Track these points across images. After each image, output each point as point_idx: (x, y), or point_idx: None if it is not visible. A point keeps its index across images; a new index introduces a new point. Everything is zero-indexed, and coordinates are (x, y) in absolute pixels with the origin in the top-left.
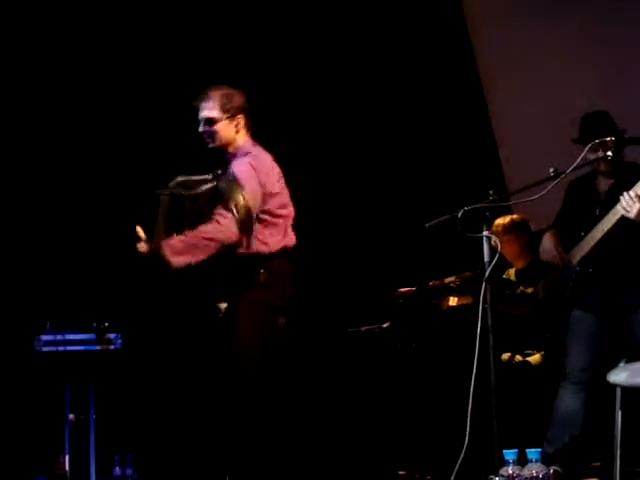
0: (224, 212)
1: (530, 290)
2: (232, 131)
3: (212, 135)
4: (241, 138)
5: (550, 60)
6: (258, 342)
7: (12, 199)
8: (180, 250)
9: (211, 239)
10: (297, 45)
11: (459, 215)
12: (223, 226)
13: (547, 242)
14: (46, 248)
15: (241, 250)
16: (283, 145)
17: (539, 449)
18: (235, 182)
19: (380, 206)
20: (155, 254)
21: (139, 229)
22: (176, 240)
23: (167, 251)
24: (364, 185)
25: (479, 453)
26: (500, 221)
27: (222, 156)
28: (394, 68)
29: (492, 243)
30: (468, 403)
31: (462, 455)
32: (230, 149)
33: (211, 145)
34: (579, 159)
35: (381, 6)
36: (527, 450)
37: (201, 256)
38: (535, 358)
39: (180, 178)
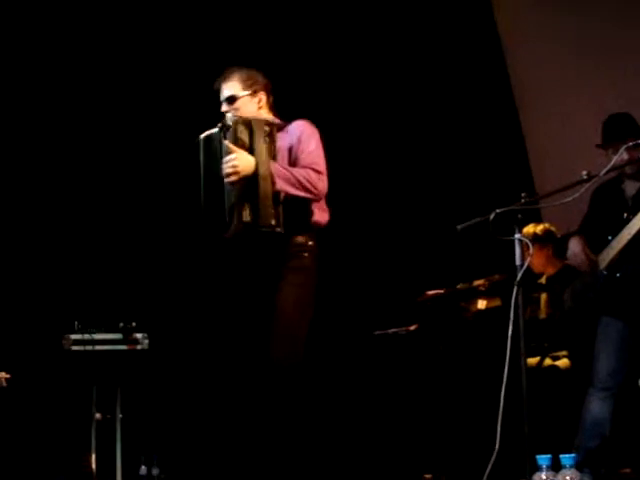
0: (322, 166)
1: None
2: (255, 107)
3: (235, 113)
4: (265, 115)
5: (581, 63)
6: (304, 330)
7: (42, 200)
8: (285, 177)
9: (313, 185)
10: (333, 53)
11: (491, 217)
12: (322, 178)
13: (574, 246)
14: (74, 248)
15: (311, 215)
16: None
17: (573, 455)
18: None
19: (410, 208)
20: (261, 171)
21: (230, 145)
22: (282, 167)
23: (275, 171)
24: (395, 186)
25: (510, 458)
26: (523, 231)
27: None
28: (430, 73)
29: (524, 246)
30: (498, 407)
31: (493, 460)
32: None
33: None
34: (614, 159)
35: (420, 18)
36: (560, 456)
37: (295, 193)
38: (564, 362)
39: None
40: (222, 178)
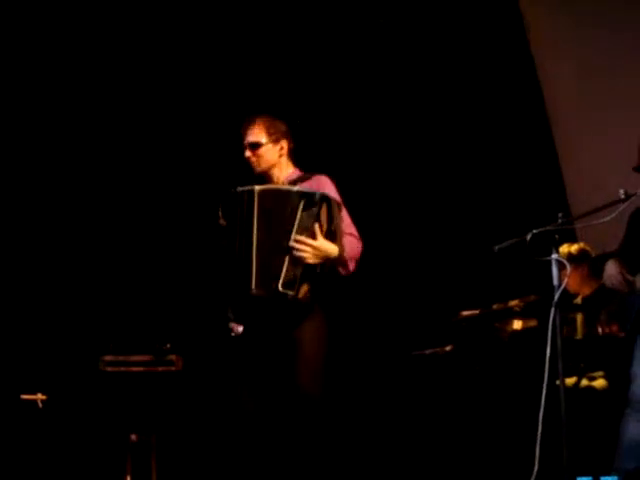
0: (354, 229)
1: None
2: (276, 155)
3: (257, 160)
4: (284, 162)
5: (617, 82)
6: (323, 362)
7: (80, 224)
8: (354, 256)
9: (359, 253)
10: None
11: (528, 238)
12: (360, 243)
13: (612, 268)
14: (111, 271)
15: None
16: (347, 169)
17: (613, 477)
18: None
19: (446, 228)
20: (336, 257)
21: (317, 230)
22: (348, 246)
23: (348, 255)
24: (432, 207)
25: None
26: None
27: (265, 181)
28: (464, 93)
29: (561, 267)
30: (535, 428)
31: None
32: (274, 172)
33: (257, 170)
34: None
35: (452, 35)
36: (601, 478)
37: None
38: (600, 383)
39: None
40: (279, 241)
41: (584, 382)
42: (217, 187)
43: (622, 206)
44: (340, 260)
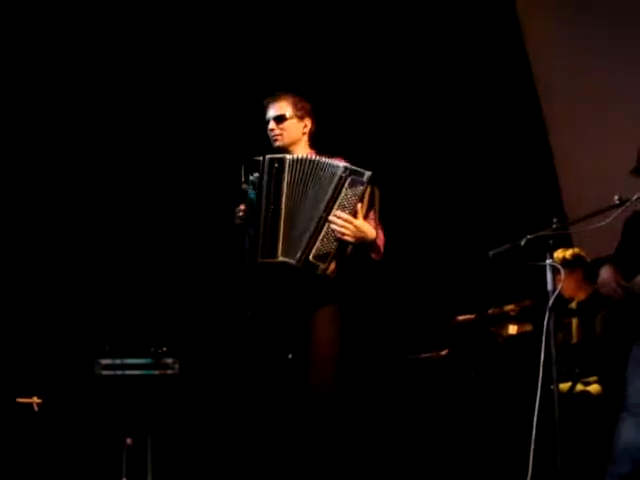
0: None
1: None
2: (299, 132)
3: (281, 133)
4: (305, 142)
5: (614, 78)
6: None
7: (76, 226)
8: (383, 245)
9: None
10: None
11: (522, 243)
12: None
13: (606, 274)
14: (106, 274)
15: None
16: None
17: None
18: None
19: (440, 233)
20: (372, 241)
21: (360, 210)
22: (380, 237)
23: (381, 242)
24: (426, 211)
25: None
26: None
27: None
28: (459, 97)
29: (555, 272)
30: (530, 433)
31: None
32: (293, 150)
33: (278, 143)
34: None
35: (446, 38)
36: None
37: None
38: (595, 388)
39: None
40: (315, 213)
41: (579, 387)
42: (216, 186)
43: (617, 211)
44: (374, 245)
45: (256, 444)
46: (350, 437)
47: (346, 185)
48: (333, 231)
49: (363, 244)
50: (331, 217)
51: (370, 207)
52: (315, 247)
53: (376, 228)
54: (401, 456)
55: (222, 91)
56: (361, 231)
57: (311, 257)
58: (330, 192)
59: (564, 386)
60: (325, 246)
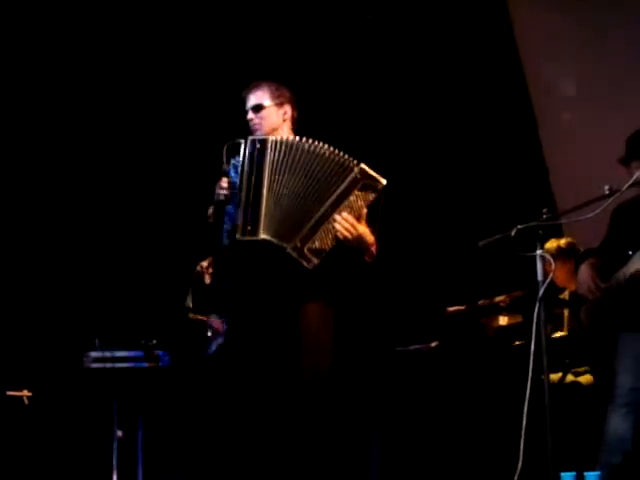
0: None
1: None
2: (279, 119)
3: (260, 122)
4: (287, 129)
5: (603, 79)
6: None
7: (64, 218)
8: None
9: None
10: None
11: (512, 234)
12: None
13: (583, 275)
14: (96, 266)
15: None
16: None
17: (597, 472)
18: None
19: (430, 224)
20: (369, 246)
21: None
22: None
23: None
24: (416, 203)
25: (533, 476)
26: (547, 246)
27: None
28: (450, 90)
29: (546, 262)
30: (520, 424)
31: (516, 478)
32: (275, 135)
33: (257, 133)
34: (636, 175)
35: (438, 34)
36: (585, 473)
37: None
38: (586, 378)
39: None
40: (317, 205)
41: (569, 377)
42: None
43: (607, 202)
44: (368, 250)
45: (248, 436)
46: (341, 427)
47: (358, 187)
48: (335, 230)
49: (359, 248)
50: (337, 217)
51: (375, 215)
52: (312, 240)
53: (373, 233)
54: (391, 447)
55: (214, 84)
56: (362, 238)
57: (306, 249)
58: (341, 189)
59: (555, 377)
60: (322, 242)
